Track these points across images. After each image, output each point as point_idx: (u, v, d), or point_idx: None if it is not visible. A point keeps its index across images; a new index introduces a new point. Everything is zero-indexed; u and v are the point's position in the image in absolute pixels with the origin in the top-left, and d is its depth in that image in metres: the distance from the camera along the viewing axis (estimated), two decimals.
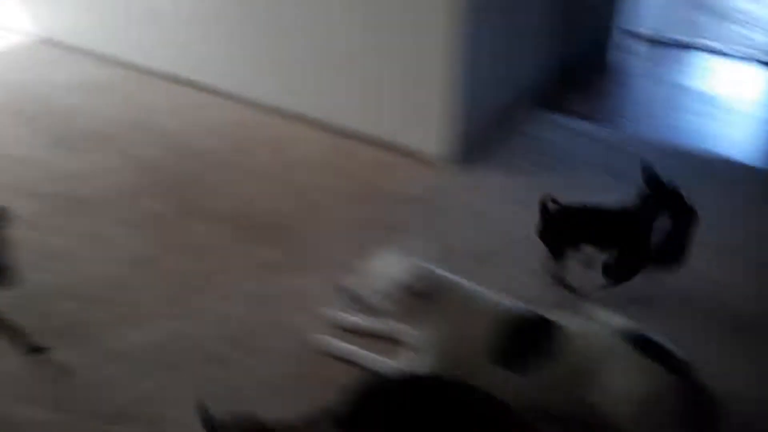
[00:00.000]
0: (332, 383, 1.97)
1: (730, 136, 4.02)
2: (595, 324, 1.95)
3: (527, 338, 1.90)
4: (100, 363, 2.15)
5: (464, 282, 2.02)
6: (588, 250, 2.38)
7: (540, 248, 2.48)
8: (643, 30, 5.46)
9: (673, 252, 2.32)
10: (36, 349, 2.11)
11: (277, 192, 3.09)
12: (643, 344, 1.84)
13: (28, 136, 3.47)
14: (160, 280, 2.52)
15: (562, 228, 2.36)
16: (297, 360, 2.19)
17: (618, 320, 1.95)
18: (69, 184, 3.09)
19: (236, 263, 2.62)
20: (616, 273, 2.32)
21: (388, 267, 1.94)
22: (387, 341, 2.20)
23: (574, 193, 3.01)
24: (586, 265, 2.40)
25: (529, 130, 3.75)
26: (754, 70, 5.07)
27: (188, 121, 3.71)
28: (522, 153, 3.52)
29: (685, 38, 5.49)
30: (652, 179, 2.32)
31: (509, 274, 2.55)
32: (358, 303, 2.00)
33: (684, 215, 2.30)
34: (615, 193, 3.14)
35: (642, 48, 5.28)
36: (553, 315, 1.96)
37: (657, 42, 5.41)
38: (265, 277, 2.55)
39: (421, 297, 1.88)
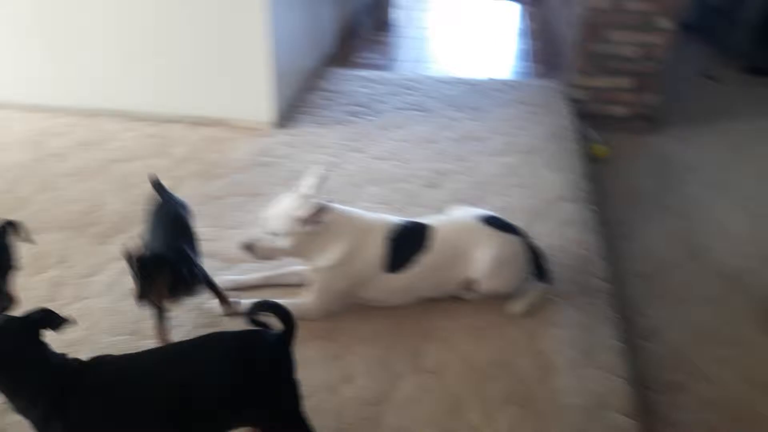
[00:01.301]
0: None
1: (490, 60, 4.76)
2: (455, 216, 2.38)
3: (409, 242, 2.23)
4: None
5: (347, 207, 2.27)
6: None
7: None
8: None
9: None
10: None
11: (111, 189, 3.03)
12: (491, 221, 2.29)
13: None
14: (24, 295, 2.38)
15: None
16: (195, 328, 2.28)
17: (469, 209, 2.40)
18: None
19: (91, 264, 2.53)
20: None
21: (281, 208, 2.13)
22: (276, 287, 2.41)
23: (381, 132, 3.45)
24: None
25: (334, 86, 4.10)
26: (504, 5, 5.95)
27: None
28: (331, 107, 3.86)
29: None
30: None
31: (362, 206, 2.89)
32: (256, 252, 2.16)
33: None
34: (422, 123, 3.67)
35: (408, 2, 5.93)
36: (422, 219, 2.33)
37: None
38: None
39: (318, 224, 2.10)
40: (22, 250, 1.94)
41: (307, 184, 2.21)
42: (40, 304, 2.28)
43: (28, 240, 1.92)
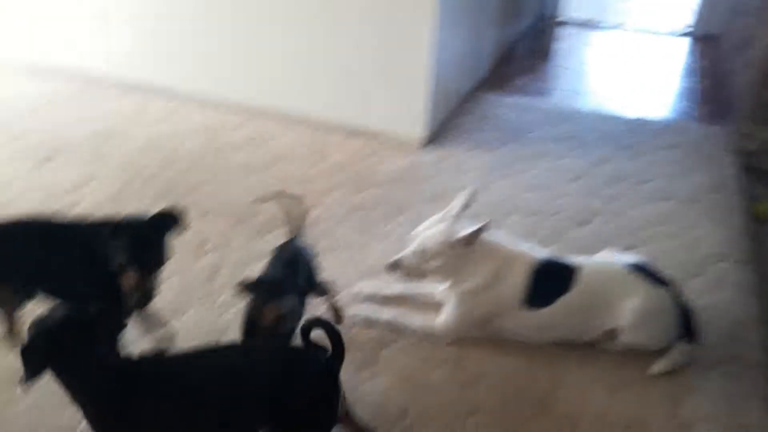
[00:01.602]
0: (372, 345, 2.28)
1: (652, 98, 4.55)
2: (603, 261, 2.31)
3: (553, 279, 2.20)
4: None
5: (498, 234, 2.28)
6: None
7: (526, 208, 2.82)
8: (572, 16, 6.05)
9: None
10: None
11: (268, 186, 3.22)
12: (640, 270, 2.20)
13: (13, 154, 3.46)
14: (183, 277, 2.57)
15: None
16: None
17: (620, 255, 2.32)
18: (60, 198, 3.10)
19: (248, 254, 2.71)
20: None
21: (435, 229, 2.17)
22: (412, 303, 2.46)
23: (530, 161, 3.43)
24: None
25: (486, 110, 4.11)
26: (672, 40, 5.69)
27: (164, 127, 3.80)
28: (482, 130, 3.88)
29: (607, 20, 6.10)
30: None
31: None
32: (402, 270, 2.21)
33: None
34: (574, 157, 3.59)
35: (572, 31, 5.82)
36: (569, 258, 2.28)
37: (584, 25, 5.98)
38: None
39: (471, 247, 2.13)
40: (188, 232, 2.05)
41: (457, 205, 2.24)
42: (201, 284, 2.54)
43: (185, 228, 1.96)
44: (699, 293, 2.53)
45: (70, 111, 3.97)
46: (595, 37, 5.89)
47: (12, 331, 2.07)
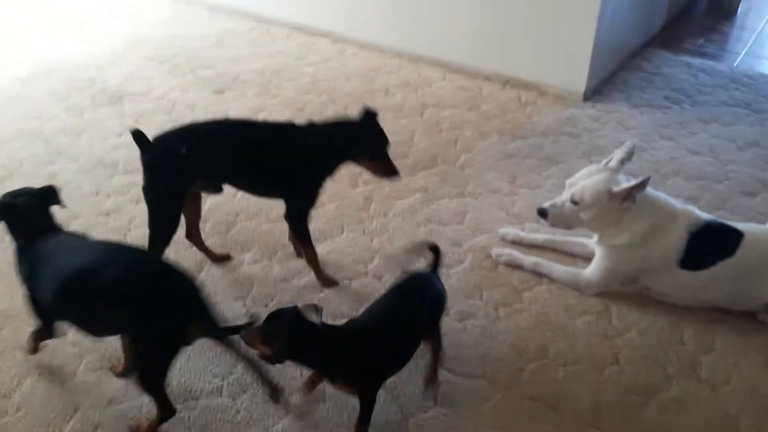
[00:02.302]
0: (515, 284, 2.31)
1: None
2: None
3: (713, 242, 2.09)
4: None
5: (657, 194, 2.18)
6: None
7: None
8: None
9: None
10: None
11: (422, 129, 3.30)
12: None
13: (192, 84, 3.79)
14: (340, 204, 2.74)
15: None
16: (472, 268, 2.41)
17: None
18: None
19: (397, 190, 2.81)
20: None
21: (592, 180, 2.12)
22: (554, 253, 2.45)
23: (697, 124, 3.25)
24: None
25: (655, 68, 3.88)
26: None
27: (327, 68, 3.96)
28: (647, 88, 3.67)
29: None
30: None
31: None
32: (552, 217, 2.19)
33: None
34: (749, 124, 3.32)
35: None
36: (734, 223, 2.15)
37: None
38: (427, 201, 2.76)
39: (623, 201, 2.07)
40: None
41: (616, 158, 2.18)
42: (354, 212, 2.71)
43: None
44: None
45: (242, 48, 4.24)
46: None
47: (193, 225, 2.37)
